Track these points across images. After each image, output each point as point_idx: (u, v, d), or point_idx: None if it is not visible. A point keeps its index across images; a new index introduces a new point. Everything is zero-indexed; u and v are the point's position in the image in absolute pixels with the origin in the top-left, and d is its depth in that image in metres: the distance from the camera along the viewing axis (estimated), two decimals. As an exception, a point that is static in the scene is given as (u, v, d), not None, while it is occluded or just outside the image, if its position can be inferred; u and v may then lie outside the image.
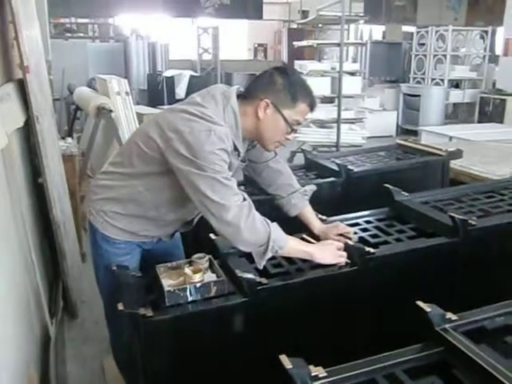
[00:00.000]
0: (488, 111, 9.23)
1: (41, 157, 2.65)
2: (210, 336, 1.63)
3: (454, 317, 1.34)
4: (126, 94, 4.49)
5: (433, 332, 1.31)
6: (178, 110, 1.72)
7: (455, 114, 10.11)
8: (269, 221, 1.67)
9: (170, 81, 9.34)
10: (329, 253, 1.76)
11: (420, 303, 1.35)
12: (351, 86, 6.47)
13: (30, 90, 2.49)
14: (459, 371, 1.22)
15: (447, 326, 1.32)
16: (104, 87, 4.51)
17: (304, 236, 1.93)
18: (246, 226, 1.60)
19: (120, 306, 1.54)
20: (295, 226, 2.06)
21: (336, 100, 6.53)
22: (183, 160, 1.60)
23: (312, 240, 1.90)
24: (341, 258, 1.76)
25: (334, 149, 6.25)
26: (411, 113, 9.39)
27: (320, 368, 1.20)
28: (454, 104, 9.89)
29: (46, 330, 2.42)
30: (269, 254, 1.66)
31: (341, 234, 1.91)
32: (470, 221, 1.89)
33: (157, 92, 9.12)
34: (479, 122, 9.00)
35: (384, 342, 1.80)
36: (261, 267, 1.70)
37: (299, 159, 6.56)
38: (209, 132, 1.59)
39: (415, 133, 8.62)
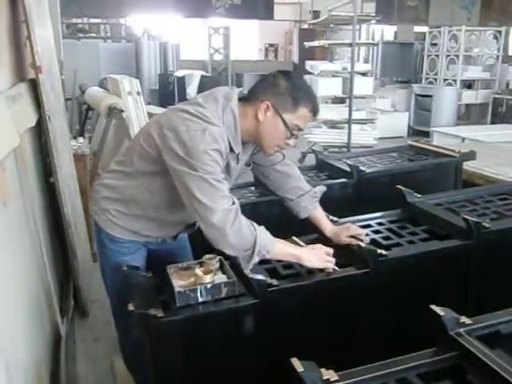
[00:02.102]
0: (501, 112, 9.18)
1: (52, 156, 2.66)
2: (220, 337, 1.62)
3: (468, 321, 1.32)
4: (138, 93, 4.51)
5: (447, 336, 1.29)
6: (178, 109, 1.73)
7: (467, 114, 10.04)
8: (256, 225, 1.65)
9: (181, 81, 9.35)
10: (316, 257, 1.73)
11: (434, 307, 1.33)
12: (363, 86, 6.45)
13: (42, 90, 2.50)
14: (473, 376, 1.21)
15: (461, 330, 1.30)
16: (115, 87, 4.53)
17: (294, 238, 1.90)
18: (231, 230, 1.58)
19: (130, 307, 1.54)
20: (307, 227, 2.05)
21: (347, 100, 6.51)
22: (177, 159, 1.60)
23: (301, 242, 1.86)
24: (328, 263, 1.73)
25: (345, 149, 6.23)
26: (423, 114, 9.33)
27: (331, 371, 1.19)
28: (467, 105, 9.81)
29: (57, 329, 2.42)
30: (255, 259, 1.63)
31: (352, 236, 1.89)
32: (483, 223, 1.87)
33: (168, 92, 9.13)
34: (492, 123, 8.94)
35: (396, 344, 1.79)
36: (247, 271, 1.66)
37: (311, 160, 6.56)
38: (203, 132, 1.58)
39: (427, 134, 8.57)
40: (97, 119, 5.68)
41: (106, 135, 4.26)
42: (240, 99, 1.73)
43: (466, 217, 1.86)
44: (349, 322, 1.72)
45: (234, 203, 1.63)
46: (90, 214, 2.01)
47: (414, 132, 9.41)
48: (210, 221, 1.58)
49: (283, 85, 1.67)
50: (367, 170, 2.75)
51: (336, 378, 1.18)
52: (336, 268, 1.73)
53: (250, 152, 1.87)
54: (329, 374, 1.18)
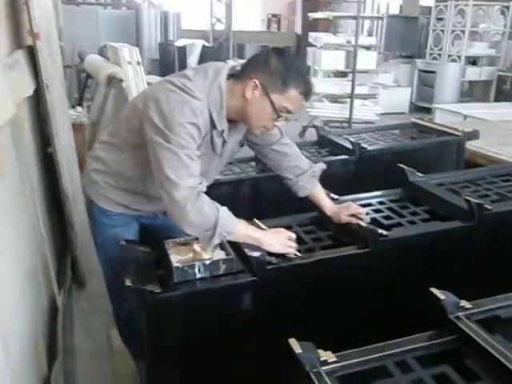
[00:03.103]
0: (505, 90, 9.06)
1: (50, 126, 2.62)
2: (217, 314, 1.61)
3: (467, 305, 1.31)
4: (138, 63, 4.42)
5: (446, 320, 1.28)
6: (166, 80, 1.69)
7: (470, 92, 9.91)
8: (219, 205, 1.60)
9: (182, 51, 9.21)
10: (278, 241, 1.69)
11: (434, 290, 1.32)
12: (366, 60, 6.35)
13: (40, 57, 2.44)
14: (472, 361, 1.20)
15: (460, 314, 1.29)
16: (115, 56, 4.44)
17: (256, 221, 1.84)
18: (193, 208, 1.53)
19: (127, 282, 1.52)
20: (308, 204, 2.02)
21: (349, 75, 6.43)
22: (154, 129, 1.56)
23: (263, 225, 1.81)
24: (289, 248, 1.68)
25: (346, 125, 6.18)
26: (425, 89, 9.22)
27: (329, 353, 1.18)
28: (470, 82, 9.67)
29: (54, 301, 2.42)
30: (216, 240, 1.58)
31: (353, 215, 1.87)
32: (485, 205, 1.84)
33: (168, 62, 8.99)
34: (495, 100, 8.83)
35: (395, 325, 1.78)
36: (207, 252, 1.64)
37: (311, 134, 6.50)
38: (183, 104, 1.55)
39: (429, 110, 8.50)
40: (96, 88, 5.59)
41: (105, 105, 4.20)
42: (232, 75, 1.68)
43: (468, 198, 1.84)
44: (348, 302, 1.71)
45: (200, 183, 1.58)
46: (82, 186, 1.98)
47: (415, 108, 9.31)
48: (173, 196, 1.53)
49: (274, 63, 1.60)
50: (369, 148, 2.72)
51: (334, 359, 1.17)
52: (297, 253, 1.69)
53: (243, 131, 1.83)
54: (326, 356, 1.17)
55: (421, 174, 2.23)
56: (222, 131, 1.69)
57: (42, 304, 2.22)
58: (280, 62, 1.60)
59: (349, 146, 2.76)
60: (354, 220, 1.84)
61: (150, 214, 1.91)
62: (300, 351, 1.14)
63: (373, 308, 1.75)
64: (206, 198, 1.58)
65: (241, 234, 1.66)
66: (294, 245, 1.71)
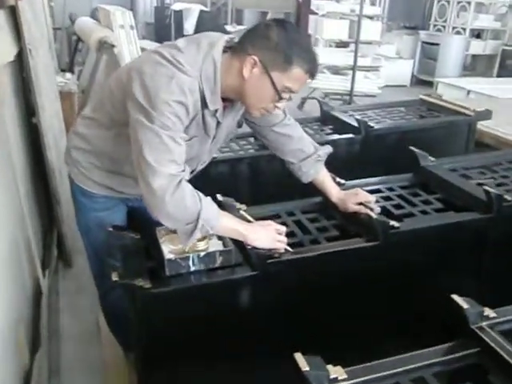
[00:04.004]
0: (509, 65, 8.84)
1: (34, 95, 2.44)
2: (212, 311, 1.48)
3: (492, 313, 1.18)
4: (131, 27, 4.17)
5: (467, 330, 1.15)
6: (154, 50, 1.48)
7: (473, 65, 9.68)
8: (202, 196, 1.42)
9: (179, 15, 8.87)
10: (265, 235, 1.52)
11: (456, 298, 1.19)
12: (370, 31, 6.11)
13: (22, 19, 2.24)
14: (495, 377, 1.08)
15: (484, 324, 1.16)
16: (107, 19, 4.19)
17: (242, 212, 1.68)
18: (171, 200, 1.35)
19: (114, 276, 1.38)
20: (311, 187, 1.87)
21: (350, 45, 6.20)
22: (137, 105, 1.37)
23: (249, 217, 1.64)
24: (279, 243, 1.52)
25: (347, 97, 5.98)
26: (428, 62, 8.99)
27: (339, 368, 1.05)
28: (473, 55, 9.44)
29: (38, 284, 2.28)
30: (197, 234, 1.41)
31: (361, 203, 1.72)
32: (505, 196, 1.70)
33: (164, 26, 8.68)
34: (498, 75, 8.63)
35: (405, 325, 1.68)
36: (186, 248, 1.48)
37: (309, 106, 6.31)
38: (170, 79, 1.36)
39: (430, 84, 8.29)
40: (87, 52, 5.35)
41: (96, 71, 3.98)
42: (229, 48, 1.48)
43: (487, 188, 1.69)
44: (354, 299, 1.58)
45: (183, 171, 1.40)
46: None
47: (417, 81, 9.11)
48: (151, 184, 1.35)
49: (275, 37, 1.39)
50: (376, 126, 2.56)
51: (344, 376, 1.04)
52: (288, 248, 1.53)
53: (240, 111, 1.65)
54: (336, 372, 1.04)
55: (433, 159, 2.07)
56: (215, 111, 1.50)
57: (25, 289, 2.08)
58: (282, 36, 1.39)
59: (354, 123, 2.60)
60: (362, 209, 1.69)
61: (139, 197, 1.73)
62: (307, 369, 1.01)
63: (381, 305, 1.63)
64: (188, 187, 1.39)
65: (225, 228, 1.49)
66: (284, 238, 1.54)
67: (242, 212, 1.68)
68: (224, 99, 1.51)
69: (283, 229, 1.57)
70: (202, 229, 1.41)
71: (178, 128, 1.38)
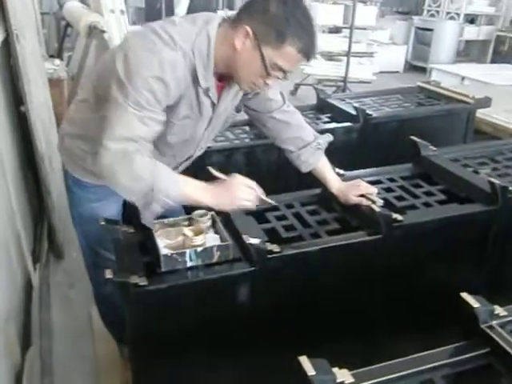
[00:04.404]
0: (502, 51, 8.79)
1: (22, 82, 2.35)
2: (210, 308, 1.43)
3: (502, 312, 1.14)
4: (121, 12, 4.06)
5: (477, 329, 1.11)
6: (147, 25, 1.41)
7: (467, 51, 9.62)
8: (160, 165, 1.35)
9: (170, 0, 8.71)
10: (230, 198, 1.42)
11: (465, 296, 1.14)
12: (364, 16, 6.01)
13: (8, 3, 2.14)
14: (507, 380, 1.04)
15: (494, 322, 1.12)
16: (96, 3, 4.07)
17: (211, 169, 1.52)
18: (123, 170, 1.30)
19: (108, 274, 1.32)
20: (310, 178, 1.81)
21: (344, 31, 6.11)
22: (117, 82, 1.31)
23: (220, 175, 1.49)
24: (246, 201, 1.42)
25: (341, 84, 5.90)
26: (422, 48, 8.91)
27: (345, 371, 1.01)
28: (467, 41, 9.37)
29: (29, 278, 2.22)
30: (156, 208, 1.34)
31: (362, 195, 1.66)
32: (511, 188, 1.66)
33: (155, 11, 8.49)
34: (492, 61, 8.58)
35: (409, 320, 1.64)
36: (145, 221, 1.42)
37: (304, 92, 6.23)
38: (153, 54, 1.29)
39: (424, 70, 8.24)
40: (76, 37, 5.22)
41: (86, 57, 3.88)
42: (226, 21, 1.41)
43: (491, 180, 1.65)
44: (356, 294, 1.54)
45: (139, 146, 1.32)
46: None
47: (410, 67, 9.04)
48: (102, 156, 1.30)
49: (273, 11, 1.30)
50: (374, 114, 2.50)
51: (351, 379, 1.00)
52: (268, 200, 1.46)
53: (239, 95, 1.58)
54: (342, 376, 0.99)
55: (434, 148, 2.02)
56: (208, 89, 1.43)
57: (15, 283, 2.01)
58: (280, 10, 1.31)
59: (352, 111, 2.54)
60: (364, 201, 1.64)
61: None
62: (313, 373, 0.96)
63: (384, 299, 1.59)
64: (142, 158, 1.31)
65: (187, 199, 1.41)
66: (250, 196, 1.44)
67: (210, 169, 1.53)
68: (220, 80, 1.45)
69: (252, 184, 1.46)
70: (159, 201, 1.33)
71: (152, 106, 1.31)
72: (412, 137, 2.05)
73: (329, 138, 1.80)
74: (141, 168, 1.31)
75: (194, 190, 1.42)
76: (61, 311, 2.41)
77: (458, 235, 1.64)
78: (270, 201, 1.49)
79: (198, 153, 1.67)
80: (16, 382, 1.71)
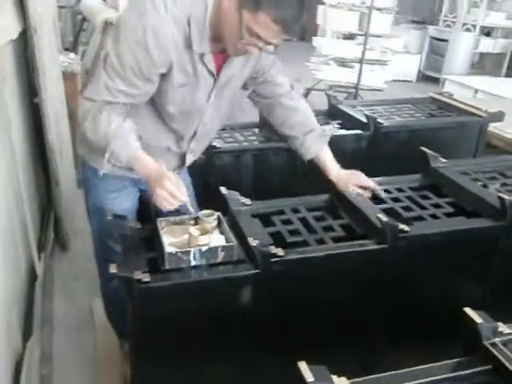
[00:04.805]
0: (518, 64, 8.74)
1: (37, 74, 2.37)
2: (212, 308, 1.43)
3: (506, 329, 1.13)
4: (138, 8, 4.08)
5: (480, 346, 1.11)
6: None
7: (481, 64, 9.56)
8: (123, 129, 1.42)
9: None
10: (152, 187, 1.43)
11: (468, 311, 1.14)
12: (380, 23, 5.99)
13: (28, -5, 2.16)
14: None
15: (497, 340, 1.11)
16: (114, -1, 4.11)
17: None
18: (88, 126, 1.43)
19: (112, 268, 1.33)
20: (315, 182, 1.82)
21: (357, 37, 6.10)
22: (107, 45, 1.38)
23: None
24: (158, 197, 1.40)
25: (353, 90, 5.89)
26: (436, 58, 8.86)
27: (344, 379, 1.01)
28: (481, 53, 9.32)
29: (33, 268, 2.23)
30: (105, 165, 1.45)
31: (362, 188, 1.72)
32: (520, 204, 1.65)
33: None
34: (507, 75, 8.52)
35: (410, 331, 1.64)
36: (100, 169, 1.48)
37: (315, 97, 6.21)
38: (139, 17, 1.32)
39: (437, 80, 8.20)
40: (92, 32, 5.24)
41: (100, 52, 3.89)
42: None
43: (501, 195, 1.64)
44: (359, 303, 1.54)
45: (116, 103, 1.41)
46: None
47: (423, 77, 9.00)
48: (80, 112, 1.45)
49: None
50: (385, 123, 2.49)
51: (349, 388, 1.00)
52: (188, 204, 1.45)
53: (244, 71, 1.57)
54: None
55: (444, 160, 2.01)
56: (202, 55, 1.42)
57: (20, 273, 2.03)
58: None
59: (363, 119, 2.53)
60: (364, 193, 1.70)
61: None
62: (312, 380, 0.96)
63: (387, 308, 1.58)
64: (108, 117, 1.41)
65: (131, 165, 1.47)
66: (172, 198, 1.40)
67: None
68: (221, 52, 1.45)
69: (175, 187, 1.40)
70: (109, 161, 1.44)
71: (134, 75, 1.37)
72: (422, 148, 2.05)
73: (333, 128, 1.81)
74: (101, 128, 1.41)
75: (141, 166, 1.46)
76: (63, 302, 2.42)
77: (464, 249, 1.63)
78: (191, 209, 1.48)
79: (203, 128, 1.62)
80: (16, 369, 1.72)
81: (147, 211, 1.77)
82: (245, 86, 1.64)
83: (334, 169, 1.76)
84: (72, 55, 3.46)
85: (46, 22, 2.42)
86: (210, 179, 2.18)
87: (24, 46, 2.41)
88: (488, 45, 8.85)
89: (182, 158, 1.70)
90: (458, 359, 1.11)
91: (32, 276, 2.21)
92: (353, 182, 1.71)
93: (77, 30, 5.54)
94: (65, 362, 2.06)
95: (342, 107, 2.75)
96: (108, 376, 1.97)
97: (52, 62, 2.59)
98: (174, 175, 1.44)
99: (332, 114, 2.78)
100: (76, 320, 2.33)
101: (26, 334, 1.92)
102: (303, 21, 1.34)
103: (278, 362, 1.42)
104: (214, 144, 2.18)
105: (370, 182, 1.73)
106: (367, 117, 2.50)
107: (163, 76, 1.42)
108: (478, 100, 5.34)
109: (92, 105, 1.41)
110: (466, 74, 8.23)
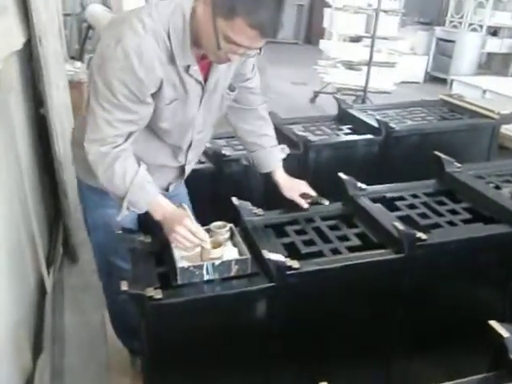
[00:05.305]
0: (525, 64, 8.66)
1: (43, 84, 2.35)
2: (226, 324, 1.39)
3: (533, 343, 1.08)
4: (143, 16, 4.07)
5: (507, 360, 1.06)
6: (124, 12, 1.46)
7: (488, 64, 9.49)
8: (138, 177, 1.42)
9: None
10: (167, 229, 1.46)
11: (494, 324, 1.09)
12: (387, 26, 5.94)
13: (32, 5, 2.14)
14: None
15: (523, 353, 1.06)
16: (118, 7, 4.09)
17: (184, 205, 1.54)
18: (104, 176, 1.42)
19: (123, 286, 1.29)
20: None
21: (364, 40, 6.05)
22: (91, 80, 1.35)
23: (189, 212, 1.51)
24: (175, 240, 1.42)
25: (361, 93, 5.84)
26: (443, 59, 8.80)
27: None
28: (489, 54, 9.25)
29: (42, 283, 2.20)
30: (124, 212, 1.46)
31: (304, 195, 1.77)
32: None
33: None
34: (513, 75, 8.46)
35: (430, 342, 1.59)
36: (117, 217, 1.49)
37: (321, 100, 6.18)
38: (117, 44, 1.27)
39: (444, 81, 8.14)
40: (98, 40, 5.23)
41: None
42: None
43: (520, 201, 1.59)
44: (376, 313, 1.49)
45: (117, 147, 1.39)
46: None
47: (430, 78, 8.93)
48: (88, 157, 1.42)
49: None
50: (397, 127, 2.45)
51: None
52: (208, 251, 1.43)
53: (228, 74, 1.54)
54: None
55: (458, 164, 1.97)
56: (188, 67, 1.37)
57: (29, 288, 2.00)
58: None
59: (374, 123, 2.49)
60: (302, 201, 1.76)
61: None
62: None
63: (405, 319, 1.54)
64: (120, 168, 1.40)
65: (152, 214, 1.49)
66: (187, 241, 1.41)
67: (183, 205, 1.54)
68: (204, 57, 1.40)
69: (194, 231, 1.41)
70: (128, 209, 1.45)
71: (127, 101, 1.33)
72: (436, 152, 2.00)
73: (286, 149, 1.98)
74: (117, 178, 1.40)
75: (158, 209, 1.48)
76: (74, 316, 2.39)
77: (483, 256, 1.59)
78: (212, 251, 1.43)
79: (198, 136, 1.59)
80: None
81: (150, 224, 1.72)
82: (231, 88, 1.61)
83: (280, 173, 1.82)
84: (78, 64, 3.44)
85: (50, 31, 2.40)
86: (218, 188, 2.14)
87: (29, 55, 2.38)
88: (495, 45, 8.79)
89: (180, 170, 1.67)
90: (484, 374, 1.07)
91: (42, 291, 2.18)
92: (300, 189, 1.77)
93: (82, 38, 5.53)
94: (76, 378, 2.03)
95: (352, 111, 2.72)
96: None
97: (58, 71, 2.57)
98: (189, 219, 1.45)
99: (342, 118, 2.74)
100: (88, 333, 2.29)
101: (37, 350, 1.89)
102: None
103: (294, 378, 1.38)
104: (223, 152, 2.14)
105: (311, 192, 1.78)
106: (378, 121, 2.46)
107: (154, 94, 1.38)
108: (487, 101, 5.28)
109: (100, 155, 1.39)
110: (474, 75, 8.17)
